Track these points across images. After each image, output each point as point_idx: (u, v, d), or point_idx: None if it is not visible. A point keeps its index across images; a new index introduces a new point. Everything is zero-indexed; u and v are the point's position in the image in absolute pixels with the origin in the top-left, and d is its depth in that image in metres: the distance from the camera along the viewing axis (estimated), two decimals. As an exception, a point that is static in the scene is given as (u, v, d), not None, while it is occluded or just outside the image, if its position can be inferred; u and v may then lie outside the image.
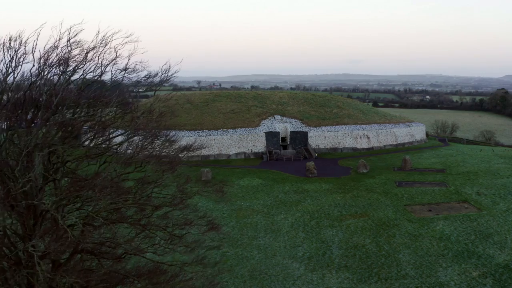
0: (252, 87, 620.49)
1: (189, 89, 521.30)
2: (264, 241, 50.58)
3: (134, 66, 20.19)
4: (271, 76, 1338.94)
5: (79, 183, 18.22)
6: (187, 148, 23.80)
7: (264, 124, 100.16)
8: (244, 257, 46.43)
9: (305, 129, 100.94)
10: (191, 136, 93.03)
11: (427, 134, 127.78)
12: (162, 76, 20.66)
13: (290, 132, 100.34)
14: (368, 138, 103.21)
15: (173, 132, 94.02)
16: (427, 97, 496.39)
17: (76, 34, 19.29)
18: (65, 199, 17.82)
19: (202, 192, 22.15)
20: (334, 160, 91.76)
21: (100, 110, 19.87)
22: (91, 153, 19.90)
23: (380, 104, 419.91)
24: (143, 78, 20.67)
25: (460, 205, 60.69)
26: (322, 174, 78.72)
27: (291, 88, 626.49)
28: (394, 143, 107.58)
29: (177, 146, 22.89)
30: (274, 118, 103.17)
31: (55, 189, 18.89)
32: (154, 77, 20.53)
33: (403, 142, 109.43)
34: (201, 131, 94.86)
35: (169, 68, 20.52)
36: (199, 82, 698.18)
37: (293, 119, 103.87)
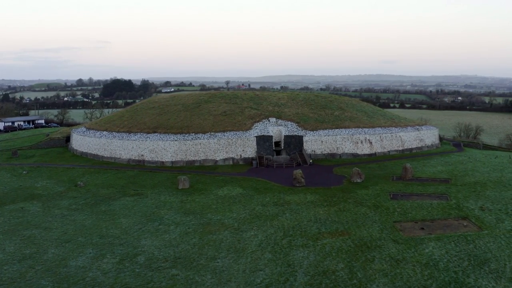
0: (282, 87, 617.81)
1: (217, 89, 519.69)
2: (223, 263, 44.17)
3: None
4: (304, 77, 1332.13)
5: None
6: None
7: (256, 127, 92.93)
8: (194, 282, 40.14)
9: (301, 132, 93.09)
10: (175, 140, 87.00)
11: (441, 138, 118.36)
12: None
13: (284, 136, 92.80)
14: (370, 143, 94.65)
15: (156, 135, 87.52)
16: (459, 98, 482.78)
17: None
18: None
19: None
20: (329, 168, 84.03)
21: None
22: None
23: (407, 105, 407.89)
24: None
25: (459, 222, 52.78)
26: (311, 183, 71.48)
27: (321, 89, 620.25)
28: (400, 148, 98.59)
29: None
30: (269, 120, 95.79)
31: None
32: None
33: (410, 147, 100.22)
34: (187, 135, 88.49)
35: None
36: (227, 82, 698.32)
37: (289, 122, 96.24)
